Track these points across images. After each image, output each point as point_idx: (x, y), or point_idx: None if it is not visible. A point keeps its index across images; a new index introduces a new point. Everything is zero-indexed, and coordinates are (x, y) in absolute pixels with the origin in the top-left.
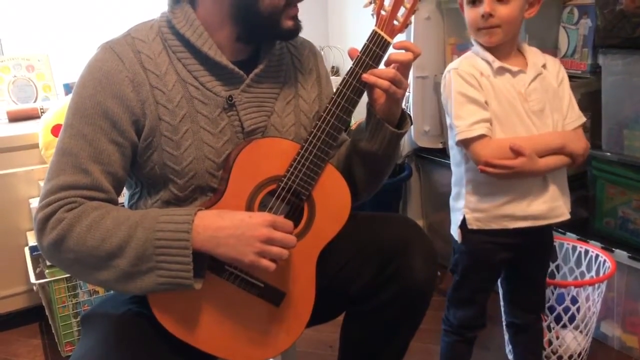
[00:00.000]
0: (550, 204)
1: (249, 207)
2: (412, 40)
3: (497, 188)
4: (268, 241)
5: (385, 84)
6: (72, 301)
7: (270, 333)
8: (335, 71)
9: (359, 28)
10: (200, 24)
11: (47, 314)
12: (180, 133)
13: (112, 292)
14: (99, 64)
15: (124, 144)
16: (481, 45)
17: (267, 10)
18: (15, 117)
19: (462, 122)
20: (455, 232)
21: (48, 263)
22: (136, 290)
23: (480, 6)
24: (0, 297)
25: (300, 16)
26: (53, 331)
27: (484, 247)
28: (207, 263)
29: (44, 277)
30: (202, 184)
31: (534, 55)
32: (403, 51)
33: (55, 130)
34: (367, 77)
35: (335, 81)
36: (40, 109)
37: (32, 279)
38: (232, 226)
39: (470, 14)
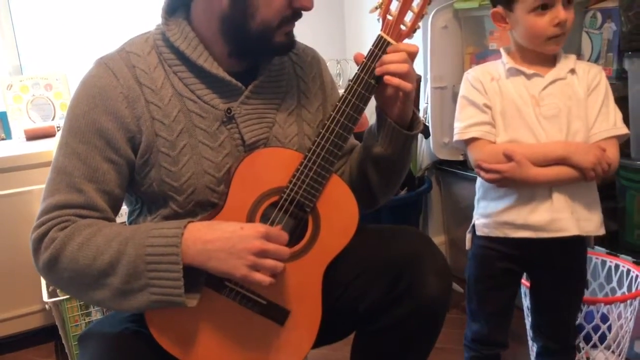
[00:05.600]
0: (553, 216)
1: (250, 220)
2: (428, 50)
3: (502, 193)
4: (261, 253)
5: (399, 69)
6: (84, 320)
7: (274, 353)
8: None
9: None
10: (194, 36)
11: (60, 333)
12: (177, 148)
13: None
14: (92, 80)
15: (119, 161)
16: (508, 50)
17: (258, 29)
18: (33, 136)
19: (460, 124)
20: (467, 237)
21: None
22: (132, 309)
23: (550, 12)
24: (15, 316)
25: (317, 30)
26: (66, 351)
27: (486, 253)
28: (204, 279)
29: (57, 296)
30: (202, 199)
31: (565, 61)
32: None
33: None
34: (380, 68)
35: None
36: (57, 127)
37: (45, 298)
38: (223, 238)
39: (538, 22)
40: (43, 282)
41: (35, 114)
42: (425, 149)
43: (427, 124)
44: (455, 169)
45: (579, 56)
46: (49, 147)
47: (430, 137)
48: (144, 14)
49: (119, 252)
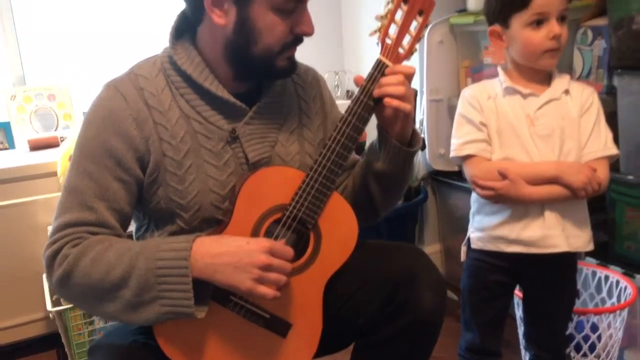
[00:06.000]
0: (545, 232)
1: (255, 235)
2: (425, 64)
3: (496, 208)
4: (266, 268)
5: (397, 92)
6: (87, 328)
7: None
8: (350, 95)
9: (373, 53)
10: (201, 60)
11: (63, 341)
12: (184, 168)
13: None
14: (103, 102)
15: (128, 180)
16: (505, 69)
17: (261, 54)
18: (36, 146)
19: (456, 140)
20: (462, 250)
21: None
22: (142, 321)
23: (545, 27)
24: (18, 324)
25: (316, 42)
26: (69, 359)
27: (480, 265)
28: (211, 292)
29: (61, 305)
30: (208, 216)
31: (560, 81)
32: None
33: None
34: (378, 90)
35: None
36: (61, 137)
37: (49, 307)
38: (230, 253)
39: (534, 36)
40: (47, 290)
41: (39, 124)
42: (421, 159)
43: (423, 135)
44: (450, 180)
45: (571, 71)
46: (53, 158)
47: (426, 149)
48: (146, 25)
49: (130, 266)
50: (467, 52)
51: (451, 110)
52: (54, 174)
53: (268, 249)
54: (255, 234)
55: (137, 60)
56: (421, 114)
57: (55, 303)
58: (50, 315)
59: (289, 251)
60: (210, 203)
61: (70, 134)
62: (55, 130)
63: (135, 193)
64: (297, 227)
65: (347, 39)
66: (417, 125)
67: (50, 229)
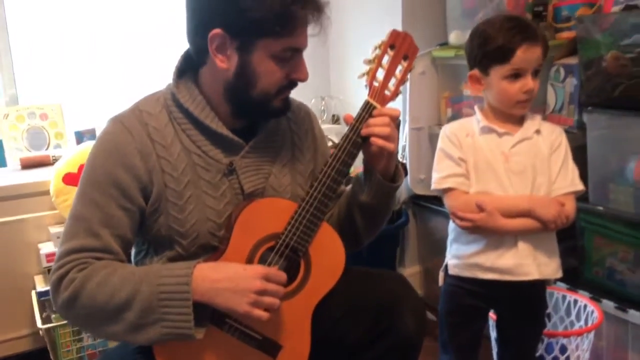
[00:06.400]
0: (518, 261)
1: (249, 262)
2: (407, 94)
3: (472, 238)
4: (261, 292)
5: (383, 132)
6: (76, 345)
7: None
8: (336, 120)
9: (357, 81)
10: (202, 98)
11: (51, 357)
12: (184, 198)
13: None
14: (109, 137)
15: (132, 209)
16: (482, 108)
17: (258, 96)
18: (28, 164)
19: (437, 174)
20: (440, 275)
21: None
22: (143, 341)
23: (520, 81)
24: (6, 339)
25: None
26: None
27: (457, 290)
28: (209, 315)
29: (51, 322)
30: (205, 243)
31: (532, 122)
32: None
33: (66, 178)
34: (366, 130)
35: (335, 129)
36: (53, 156)
37: (39, 324)
38: (228, 278)
39: (510, 88)
40: (36, 307)
41: (30, 143)
42: (403, 184)
43: (404, 161)
44: (430, 204)
45: (545, 106)
46: (45, 177)
47: (408, 174)
48: (138, 45)
49: (134, 290)
50: (447, 83)
51: (432, 137)
52: (46, 192)
53: (263, 275)
54: (250, 260)
55: (128, 81)
56: (403, 141)
57: (45, 320)
58: (40, 332)
59: (283, 277)
60: (207, 231)
61: (63, 152)
62: (47, 149)
63: (138, 221)
64: (289, 255)
65: (333, 65)
66: (399, 152)
67: (42, 246)
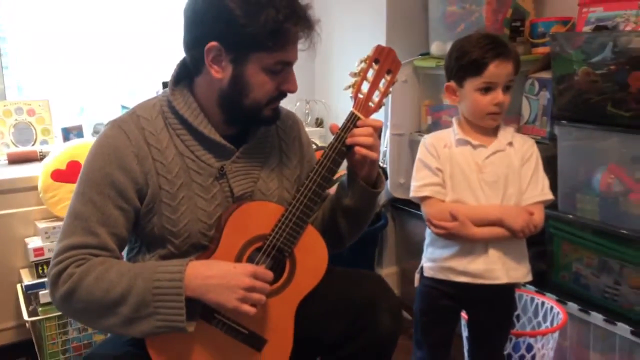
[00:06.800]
0: (488, 266)
1: (238, 261)
2: (390, 102)
3: (447, 243)
4: (250, 289)
5: (366, 142)
6: (61, 338)
7: None
8: (319, 123)
9: (341, 84)
10: (197, 105)
11: (35, 349)
12: (177, 199)
13: (109, 335)
14: (108, 140)
15: (128, 209)
16: (458, 121)
17: (250, 105)
18: (15, 159)
19: (415, 182)
20: (416, 277)
21: (42, 301)
22: (137, 334)
23: (491, 94)
24: None
25: None
26: None
27: (431, 291)
28: (199, 310)
29: (37, 315)
30: (195, 242)
31: (504, 134)
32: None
33: (54, 174)
34: (350, 139)
35: (318, 132)
36: (40, 152)
37: (25, 316)
38: (219, 275)
39: (481, 100)
40: (22, 300)
41: (17, 138)
42: (383, 189)
43: (385, 165)
44: (409, 207)
45: (520, 117)
46: (32, 172)
47: (388, 178)
48: (126, 43)
49: (129, 285)
50: (428, 92)
51: (412, 144)
52: (33, 188)
53: (252, 273)
54: (238, 259)
55: (116, 80)
56: (384, 146)
57: (31, 313)
58: (27, 324)
59: (270, 275)
60: (198, 231)
61: (50, 149)
62: (33, 144)
63: (133, 220)
64: (276, 255)
65: (318, 70)
66: (381, 157)
67: (29, 241)
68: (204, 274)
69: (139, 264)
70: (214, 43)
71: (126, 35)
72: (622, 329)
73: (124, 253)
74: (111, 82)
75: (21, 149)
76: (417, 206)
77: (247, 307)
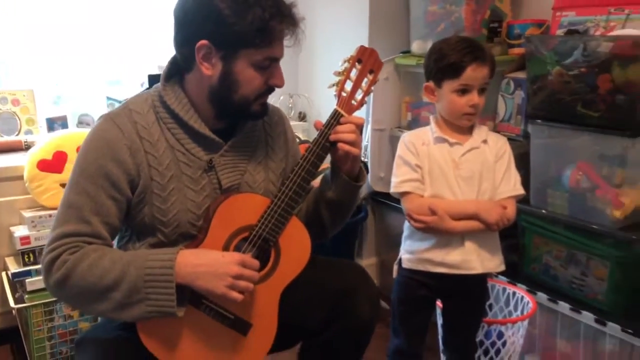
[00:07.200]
0: (464, 257)
1: (225, 250)
2: (372, 98)
3: (424, 235)
4: (237, 276)
5: (349, 138)
6: (47, 325)
7: (237, 358)
8: (302, 117)
9: (324, 80)
10: (187, 101)
11: (21, 336)
12: (167, 190)
13: (100, 320)
14: (101, 133)
15: (120, 199)
16: (436, 119)
17: (239, 100)
18: (0, 149)
19: (395, 179)
20: (394, 268)
21: (28, 288)
22: (129, 318)
23: (467, 96)
24: None
25: None
26: (27, 353)
27: (409, 282)
28: (188, 296)
29: (23, 302)
30: (184, 232)
31: (479, 132)
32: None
33: (40, 164)
34: (334, 136)
35: (301, 126)
36: (25, 142)
37: (12, 304)
38: (208, 264)
39: (458, 101)
40: (7, 288)
41: (1, 128)
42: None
43: (366, 160)
44: (388, 200)
45: (495, 114)
46: (16, 162)
47: (369, 172)
48: (111, 33)
49: (122, 272)
50: (408, 89)
51: (392, 139)
52: (18, 177)
53: (240, 261)
54: (226, 248)
55: (103, 70)
56: (366, 141)
57: (17, 300)
58: (13, 311)
59: (257, 264)
60: (187, 221)
61: (35, 139)
62: (17, 134)
63: (124, 210)
64: (261, 245)
65: (301, 66)
66: (362, 152)
67: (14, 230)
68: (193, 262)
69: (131, 252)
70: (204, 41)
71: (109, 25)
72: (587, 317)
73: (115, 242)
74: (92, 72)
75: (6, 138)
76: (396, 199)
77: (234, 294)
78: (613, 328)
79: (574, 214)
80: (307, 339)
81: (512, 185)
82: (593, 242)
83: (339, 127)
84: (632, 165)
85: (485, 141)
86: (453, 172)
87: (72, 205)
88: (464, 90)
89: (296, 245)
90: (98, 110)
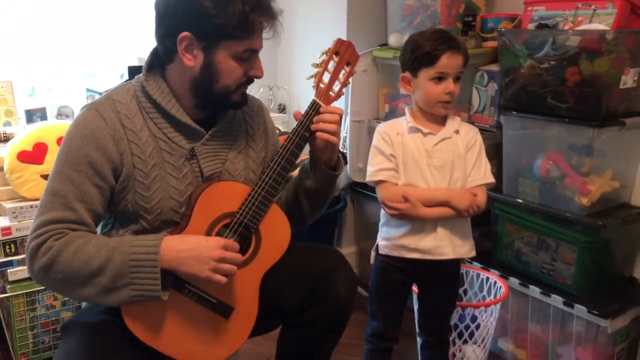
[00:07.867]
0: (436, 243)
1: (208, 236)
2: (350, 90)
3: (399, 223)
4: (220, 260)
5: (327, 128)
6: (29, 315)
7: (220, 340)
8: (282, 109)
9: (303, 72)
10: (169, 91)
11: (3, 326)
12: (150, 178)
13: (84, 305)
14: (85, 122)
15: (104, 187)
16: (411, 110)
17: (220, 90)
18: None
19: (371, 168)
20: (372, 254)
21: (10, 279)
22: (114, 303)
23: (443, 84)
24: None
25: None
26: (9, 343)
27: (385, 267)
28: (172, 280)
29: (5, 292)
30: (167, 219)
31: (452, 123)
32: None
33: (21, 156)
34: (315, 125)
35: (281, 118)
36: (4, 133)
37: None
38: (192, 248)
39: (434, 89)
40: None
41: None
42: (343, 172)
43: (345, 151)
44: (367, 190)
45: (470, 106)
46: None
47: (348, 163)
48: (90, 25)
49: (107, 258)
50: (386, 81)
51: (370, 130)
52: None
53: (222, 246)
54: (208, 235)
55: (80, 62)
56: (344, 132)
57: None
58: None
59: (237, 248)
60: (170, 208)
61: (14, 130)
62: None
63: (108, 197)
64: (242, 231)
65: (280, 58)
66: (341, 142)
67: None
68: (177, 248)
69: (116, 238)
70: (186, 33)
71: (86, 17)
72: (556, 300)
73: (98, 229)
74: (68, 64)
75: None
76: (374, 190)
77: (218, 277)
78: (580, 310)
79: (544, 202)
80: (286, 321)
81: (482, 173)
82: (562, 229)
83: (318, 117)
84: (598, 155)
85: (457, 131)
86: (426, 161)
87: (57, 192)
88: (439, 78)
89: (276, 231)
90: (77, 102)
